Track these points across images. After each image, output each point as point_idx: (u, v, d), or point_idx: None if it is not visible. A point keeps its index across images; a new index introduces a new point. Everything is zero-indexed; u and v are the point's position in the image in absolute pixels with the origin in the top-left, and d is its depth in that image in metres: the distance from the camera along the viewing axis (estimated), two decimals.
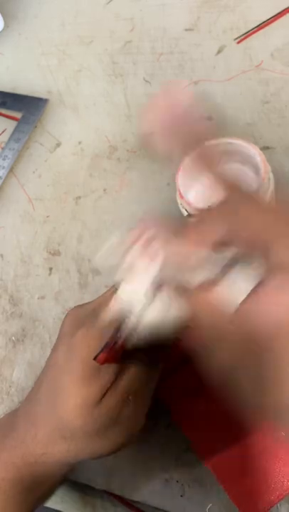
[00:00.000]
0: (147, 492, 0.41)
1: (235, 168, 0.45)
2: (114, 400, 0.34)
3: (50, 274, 0.51)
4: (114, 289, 0.36)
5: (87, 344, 0.34)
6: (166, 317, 0.30)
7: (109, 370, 0.34)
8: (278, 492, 0.37)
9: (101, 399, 0.33)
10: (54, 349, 0.37)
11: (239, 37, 0.57)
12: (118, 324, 0.33)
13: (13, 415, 0.39)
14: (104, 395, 0.34)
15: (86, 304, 0.38)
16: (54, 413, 0.34)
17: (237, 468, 0.38)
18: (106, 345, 0.33)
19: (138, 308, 0.31)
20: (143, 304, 0.30)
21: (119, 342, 0.33)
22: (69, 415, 0.33)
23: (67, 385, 0.34)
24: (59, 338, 0.37)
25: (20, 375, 0.48)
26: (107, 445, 0.35)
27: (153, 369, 0.36)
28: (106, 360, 0.33)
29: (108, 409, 0.34)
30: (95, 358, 0.32)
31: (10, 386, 0.47)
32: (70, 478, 0.42)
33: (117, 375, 0.34)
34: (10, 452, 0.36)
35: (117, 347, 0.33)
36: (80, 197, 0.54)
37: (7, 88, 0.63)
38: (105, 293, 0.37)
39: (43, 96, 0.61)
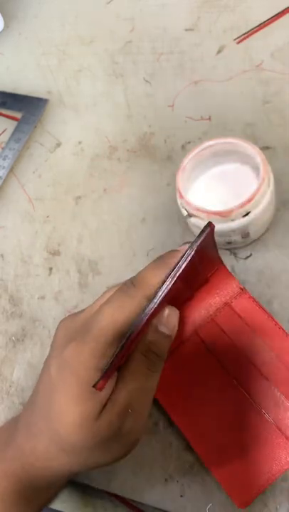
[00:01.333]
0: (147, 492, 0.41)
1: (235, 168, 0.45)
2: (114, 413, 0.33)
3: (50, 274, 0.51)
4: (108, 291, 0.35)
5: (79, 360, 0.33)
6: None
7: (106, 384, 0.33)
8: (267, 476, 0.37)
9: (100, 413, 0.33)
10: (47, 362, 0.36)
11: (239, 37, 0.57)
12: (120, 342, 0.33)
13: (15, 422, 0.38)
14: (103, 409, 0.33)
15: (78, 313, 0.37)
16: (51, 428, 0.33)
17: (226, 453, 0.38)
18: (106, 372, 0.32)
19: None
20: None
21: (120, 359, 0.32)
22: (66, 431, 0.33)
23: (62, 403, 0.33)
24: (51, 351, 0.36)
25: (20, 375, 0.48)
26: (109, 457, 0.34)
27: (151, 379, 0.35)
28: (105, 384, 0.32)
29: (108, 423, 0.33)
30: (94, 386, 0.32)
31: (10, 386, 0.47)
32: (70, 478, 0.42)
33: (115, 388, 0.33)
34: (11, 463, 0.35)
35: (116, 365, 0.33)
36: (80, 197, 0.54)
37: (7, 88, 0.63)
38: (95, 301, 0.37)
39: (43, 96, 0.61)
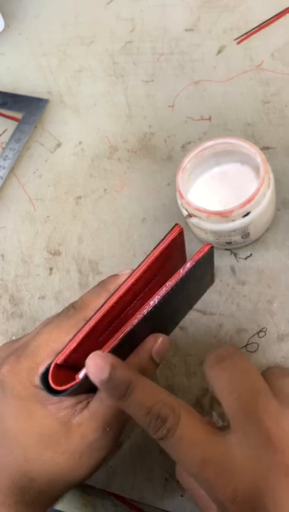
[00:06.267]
0: (147, 492, 0.41)
1: (235, 168, 0.45)
2: (91, 428, 0.33)
3: (50, 274, 0.51)
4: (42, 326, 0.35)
5: (17, 380, 0.33)
6: None
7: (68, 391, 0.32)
8: None
9: (67, 423, 0.32)
10: None
11: (239, 37, 0.57)
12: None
13: None
14: (78, 419, 0.32)
15: (18, 338, 0.38)
16: (14, 456, 0.33)
17: None
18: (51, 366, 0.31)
19: None
20: None
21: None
22: (34, 453, 0.32)
23: (18, 428, 0.32)
24: None
25: None
26: (81, 471, 0.33)
27: None
28: (59, 380, 0.31)
29: (80, 437, 0.32)
30: (45, 376, 0.31)
31: None
32: None
33: (98, 404, 0.33)
34: None
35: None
36: (80, 197, 0.54)
37: (8, 88, 0.63)
38: (36, 328, 0.37)
39: (44, 96, 0.61)
